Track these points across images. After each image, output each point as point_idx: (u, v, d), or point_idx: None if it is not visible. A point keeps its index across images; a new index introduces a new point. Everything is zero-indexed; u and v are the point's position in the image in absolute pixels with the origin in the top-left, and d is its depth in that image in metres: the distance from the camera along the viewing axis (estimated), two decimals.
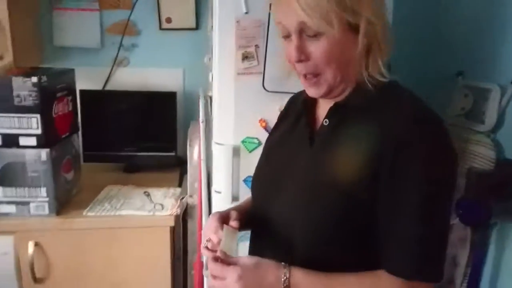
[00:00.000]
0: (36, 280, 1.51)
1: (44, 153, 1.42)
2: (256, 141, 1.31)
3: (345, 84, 0.77)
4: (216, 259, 0.74)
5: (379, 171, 0.70)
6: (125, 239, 1.53)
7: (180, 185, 1.82)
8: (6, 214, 1.47)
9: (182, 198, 1.67)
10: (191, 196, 1.63)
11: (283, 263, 0.74)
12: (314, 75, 0.75)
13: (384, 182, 0.70)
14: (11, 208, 1.47)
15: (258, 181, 0.93)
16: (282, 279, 0.71)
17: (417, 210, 0.69)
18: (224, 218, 0.86)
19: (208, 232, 0.85)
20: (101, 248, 1.53)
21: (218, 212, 0.89)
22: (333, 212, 0.74)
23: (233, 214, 0.86)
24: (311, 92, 0.79)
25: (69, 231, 1.51)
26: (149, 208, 1.59)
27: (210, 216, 0.89)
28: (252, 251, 0.93)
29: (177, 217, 1.56)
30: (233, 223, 0.83)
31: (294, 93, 1.01)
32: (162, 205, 1.61)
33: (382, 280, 0.72)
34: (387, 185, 0.70)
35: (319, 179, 0.76)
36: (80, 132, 1.88)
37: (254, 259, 0.75)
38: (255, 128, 1.31)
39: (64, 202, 1.57)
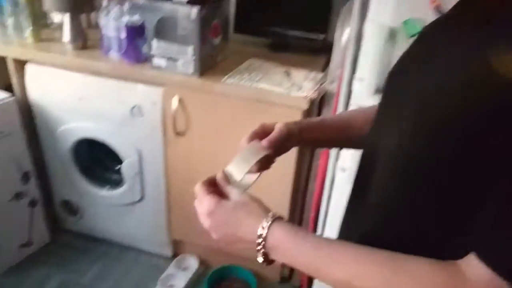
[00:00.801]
0: (177, 133, 1.65)
1: (194, 10, 1.41)
2: (421, 24, 1.07)
3: None
4: (208, 182, 0.62)
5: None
6: (258, 112, 1.51)
7: (323, 71, 1.69)
8: (158, 68, 1.57)
9: (322, 83, 1.55)
10: (331, 82, 1.49)
11: (271, 212, 0.56)
12: None
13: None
14: (163, 62, 1.55)
15: (386, 81, 0.66)
16: (257, 234, 0.54)
17: None
18: (262, 133, 0.68)
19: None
20: (234, 115, 1.56)
21: (263, 124, 0.70)
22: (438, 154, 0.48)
23: (277, 130, 0.68)
24: None
25: (209, 93, 1.56)
26: (286, 86, 1.52)
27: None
28: (353, 187, 0.72)
29: (312, 100, 1.46)
30: (265, 141, 0.66)
31: None
32: (300, 86, 1.52)
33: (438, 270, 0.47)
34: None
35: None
36: (235, 1, 1.85)
37: (242, 199, 0.58)
38: (423, 7, 1.05)
39: (209, 65, 1.59)
